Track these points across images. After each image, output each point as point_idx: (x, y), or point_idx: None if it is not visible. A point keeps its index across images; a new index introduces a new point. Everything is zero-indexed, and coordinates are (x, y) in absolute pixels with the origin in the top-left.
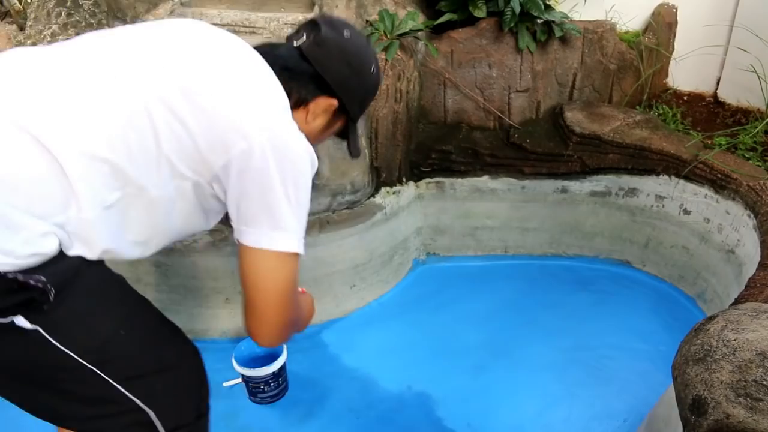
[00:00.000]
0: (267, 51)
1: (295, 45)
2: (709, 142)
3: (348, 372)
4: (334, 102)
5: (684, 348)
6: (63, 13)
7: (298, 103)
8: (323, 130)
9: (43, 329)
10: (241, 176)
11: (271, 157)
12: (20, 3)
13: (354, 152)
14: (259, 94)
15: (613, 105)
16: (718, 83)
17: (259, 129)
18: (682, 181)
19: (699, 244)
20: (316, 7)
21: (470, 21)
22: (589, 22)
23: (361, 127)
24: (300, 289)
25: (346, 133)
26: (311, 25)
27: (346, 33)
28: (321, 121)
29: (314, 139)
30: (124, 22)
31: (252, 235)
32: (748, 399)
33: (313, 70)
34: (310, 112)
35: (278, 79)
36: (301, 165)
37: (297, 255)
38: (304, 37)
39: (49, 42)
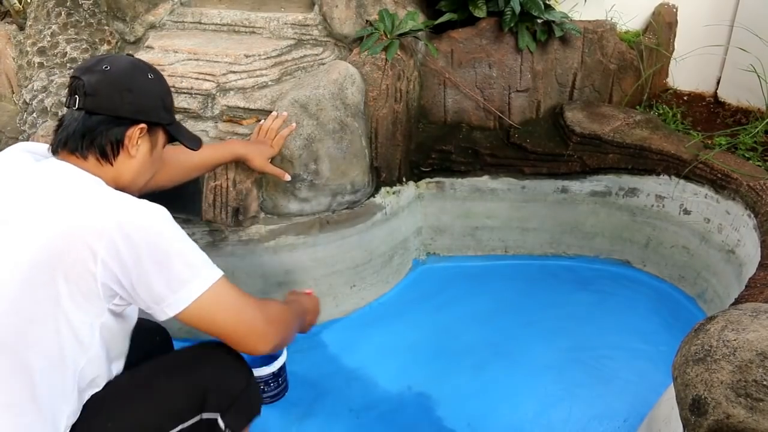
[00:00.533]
0: (63, 136)
1: (76, 108)
2: (710, 142)
3: (348, 372)
4: (142, 126)
5: (684, 348)
6: (63, 13)
7: (114, 149)
8: (151, 150)
9: None
10: (123, 268)
11: (127, 241)
12: (20, 3)
13: (191, 145)
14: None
15: (614, 105)
16: (718, 83)
17: (99, 228)
18: (682, 181)
19: (699, 244)
20: (316, 7)
21: (470, 21)
22: (590, 21)
23: (362, 127)
24: (307, 291)
25: (173, 137)
26: (75, 83)
27: (105, 67)
28: (144, 146)
29: (150, 163)
30: (124, 22)
31: (176, 301)
32: (748, 399)
33: (104, 116)
34: (129, 147)
35: (82, 147)
36: (153, 223)
37: (221, 278)
38: (77, 96)
39: (50, 42)
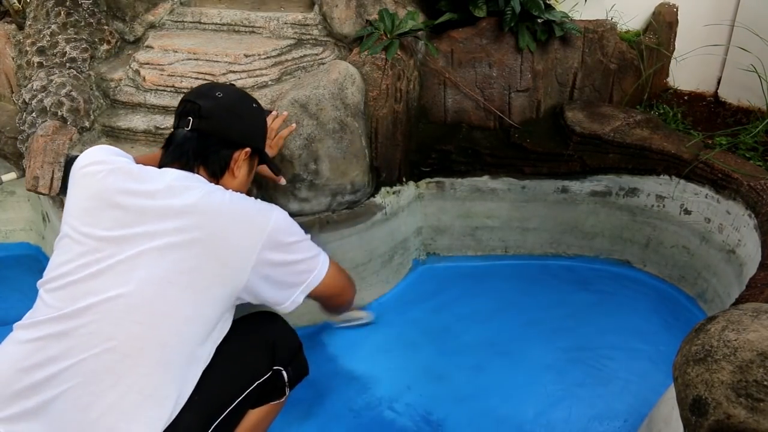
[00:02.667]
0: (177, 154)
1: (189, 130)
2: (710, 141)
3: (348, 372)
4: (247, 149)
5: (684, 348)
6: (62, 12)
7: (222, 170)
8: (249, 172)
9: None
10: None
11: (277, 243)
12: (19, 2)
13: (277, 171)
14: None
15: (614, 105)
16: (718, 83)
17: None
18: (682, 181)
19: (700, 244)
20: (316, 7)
21: (470, 20)
22: (590, 21)
23: (362, 126)
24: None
25: (264, 161)
26: (189, 106)
27: (218, 94)
28: (245, 168)
29: (246, 184)
30: (124, 21)
31: (311, 279)
32: (748, 399)
33: (216, 138)
34: (234, 169)
35: (197, 165)
36: (292, 228)
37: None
38: (191, 119)
39: (49, 41)
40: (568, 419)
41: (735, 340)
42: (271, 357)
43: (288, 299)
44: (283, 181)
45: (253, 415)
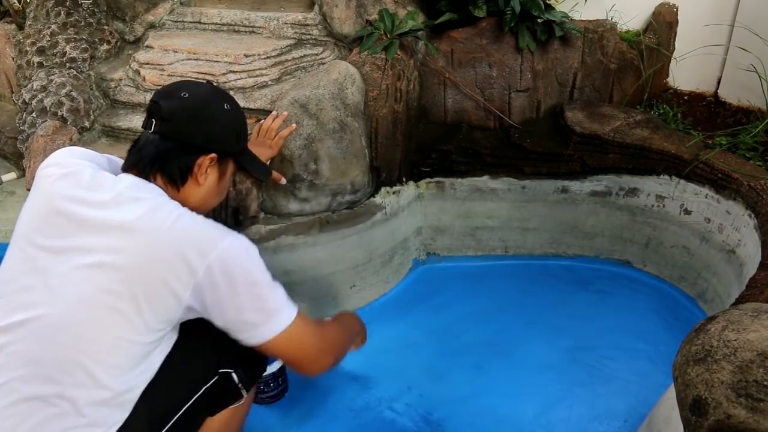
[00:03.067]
0: (136, 158)
1: (151, 132)
2: (710, 141)
3: (348, 372)
4: (212, 155)
5: (684, 348)
6: (62, 12)
7: (184, 177)
8: (219, 180)
9: None
10: (216, 295)
11: (224, 272)
12: (19, 2)
13: (260, 176)
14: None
15: (614, 105)
16: (718, 83)
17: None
18: (682, 181)
19: (700, 244)
20: (316, 7)
21: (470, 20)
22: (590, 21)
23: (362, 126)
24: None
25: (242, 167)
26: (153, 107)
27: (183, 94)
28: (212, 175)
29: (217, 192)
30: (124, 21)
31: (265, 331)
32: (748, 399)
33: (177, 143)
34: (198, 175)
35: (153, 172)
36: (246, 263)
37: (300, 312)
38: (154, 120)
39: (49, 41)
40: (568, 419)
41: (735, 340)
42: (216, 360)
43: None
44: (283, 180)
45: (214, 422)
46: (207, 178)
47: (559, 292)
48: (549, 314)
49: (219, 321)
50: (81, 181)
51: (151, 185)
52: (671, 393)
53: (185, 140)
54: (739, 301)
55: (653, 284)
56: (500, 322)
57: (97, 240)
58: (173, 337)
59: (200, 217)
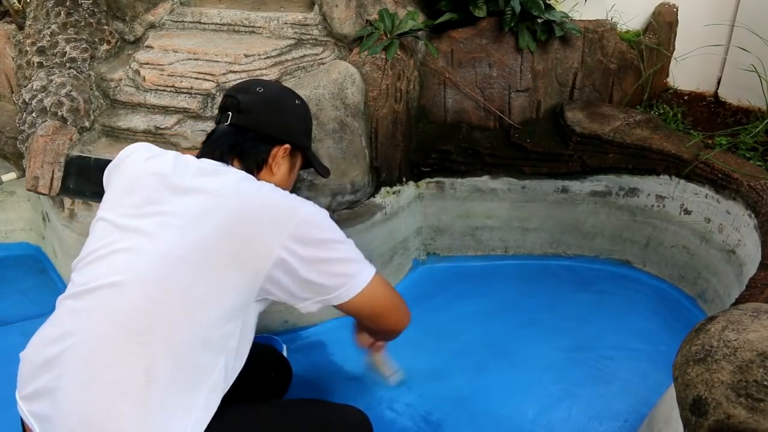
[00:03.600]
0: (212, 147)
1: (227, 124)
2: (710, 141)
3: (348, 372)
4: (287, 146)
5: (684, 348)
6: (62, 12)
7: (260, 166)
8: (289, 171)
9: None
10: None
11: (307, 238)
12: (19, 2)
13: (323, 173)
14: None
15: (614, 105)
16: (718, 83)
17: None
18: (682, 181)
19: (700, 244)
20: (316, 7)
21: (470, 20)
22: (590, 21)
23: (362, 126)
24: None
25: (309, 163)
26: (229, 101)
27: (258, 89)
28: (284, 166)
29: (287, 183)
30: (124, 21)
31: (347, 287)
32: (748, 399)
33: (254, 133)
34: (273, 165)
35: (231, 157)
36: (326, 224)
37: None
38: (230, 113)
39: (49, 41)
40: (568, 419)
41: (735, 340)
42: None
43: (309, 300)
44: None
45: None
46: (280, 168)
47: (559, 292)
48: (549, 314)
49: (301, 286)
50: (165, 161)
51: (229, 166)
52: (671, 393)
53: (262, 131)
54: (739, 301)
55: (653, 284)
56: (500, 322)
57: (187, 202)
58: (251, 326)
59: (279, 188)
